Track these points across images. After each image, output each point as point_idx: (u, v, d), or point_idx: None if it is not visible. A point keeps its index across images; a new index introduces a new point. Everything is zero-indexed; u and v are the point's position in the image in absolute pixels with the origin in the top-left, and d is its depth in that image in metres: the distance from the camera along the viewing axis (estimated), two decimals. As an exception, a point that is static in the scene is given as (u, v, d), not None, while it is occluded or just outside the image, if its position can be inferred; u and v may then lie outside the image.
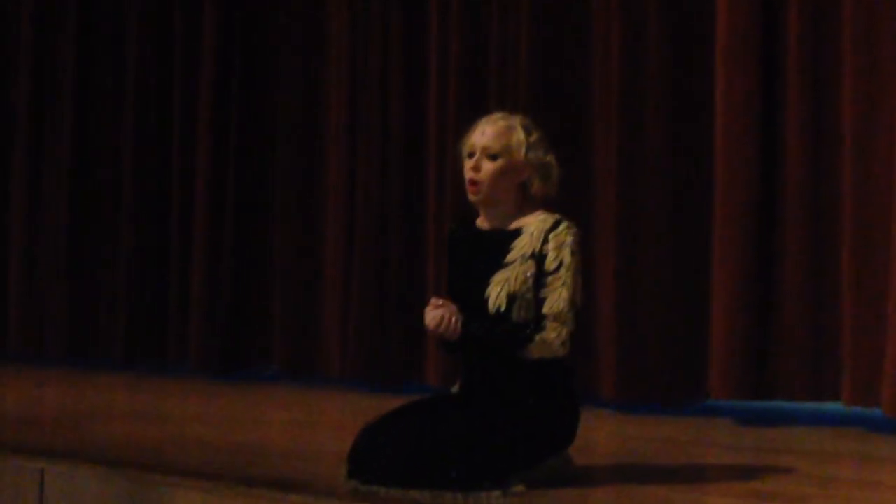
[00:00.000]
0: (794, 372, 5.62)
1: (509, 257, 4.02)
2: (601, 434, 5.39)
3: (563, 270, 3.98)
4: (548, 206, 4.11)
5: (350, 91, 7.25)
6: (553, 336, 3.95)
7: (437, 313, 3.91)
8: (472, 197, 4.08)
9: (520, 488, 3.84)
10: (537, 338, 3.94)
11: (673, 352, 5.92)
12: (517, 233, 4.05)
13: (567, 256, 3.98)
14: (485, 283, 4.00)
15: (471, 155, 4.07)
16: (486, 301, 3.98)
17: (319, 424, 5.84)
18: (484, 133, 4.07)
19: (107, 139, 8.46)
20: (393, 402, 4.14)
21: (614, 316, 6.00)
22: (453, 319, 3.91)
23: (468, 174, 4.06)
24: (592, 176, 6.23)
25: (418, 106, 6.95)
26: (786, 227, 5.69)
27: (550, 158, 4.11)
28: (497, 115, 4.15)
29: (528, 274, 3.98)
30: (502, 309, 3.97)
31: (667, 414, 5.92)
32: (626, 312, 5.99)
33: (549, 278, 3.97)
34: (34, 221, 8.81)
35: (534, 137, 4.09)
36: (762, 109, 5.73)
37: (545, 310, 3.95)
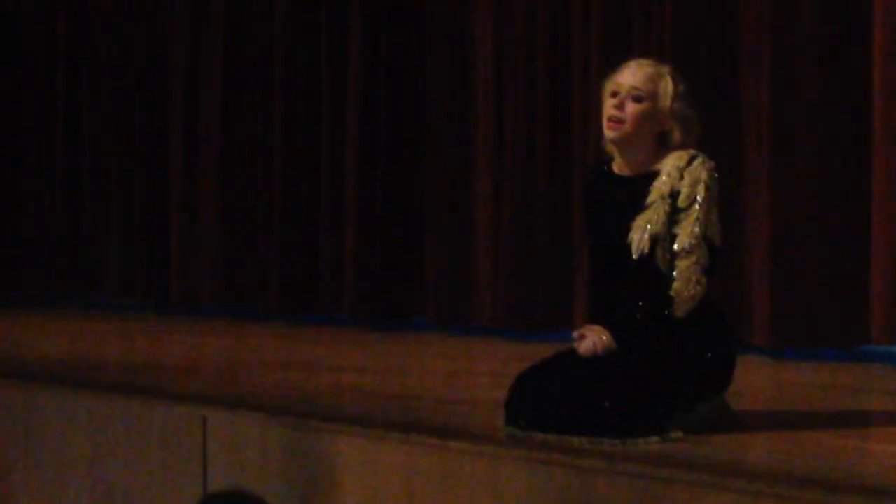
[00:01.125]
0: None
1: (649, 199, 3.96)
2: (759, 380, 5.33)
3: (695, 206, 3.91)
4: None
5: (497, 41, 7.24)
6: (682, 284, 3.89)
7: (587, 344, 3.90)
8: (610, 133, 4.02)
9: (677, 434, 3.82)
10: (671, 295, 3.88)
11: (831, 294, 5.78)
12: (655, 175, 3.99)
13: (701, 191, 3.92)
14: (625, 227, 3.97)
15: (615, 94, 4.04)
16: (628, 246, 3.95)
17: (474, 372, 5.88)
18: (634, 74, 4.03)
19: (256, 92, 8.56)
20: (544, 350, 4.15)
21: (769, 257, 5.89)
22: (603, 339, 3.89)
23: (610, 111, 4.00)
24: (742, 110, 6.10)
25: (564, 50, 6.91)
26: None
27: (694, 112, 4.07)
28: (646, 61, 4.11)
29: (667, 213, 3.94)
30: (646, 251, 3.92)
31: (825, 359, 5.83)
32: (782, 253, 5.86)
33: (682, 214, 3.92)
34: (191, 176, 8.97)
35: (681, 88, 4.05)
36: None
37: (676, 247, 3.90)
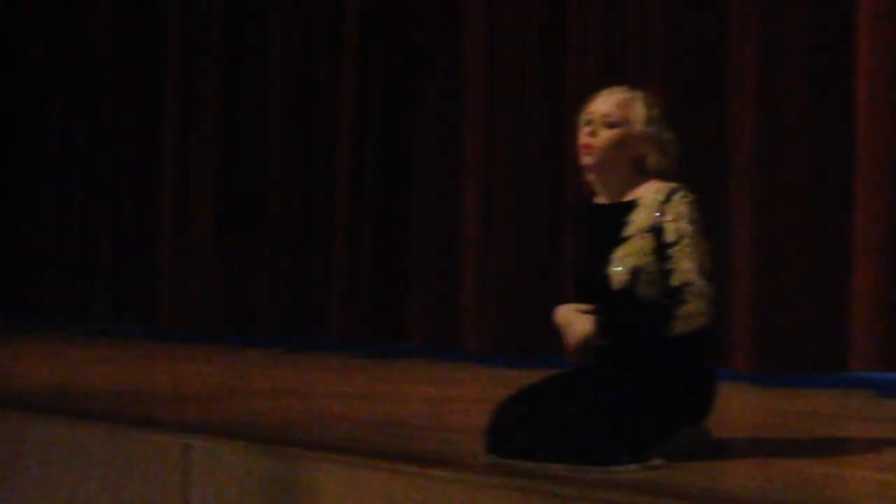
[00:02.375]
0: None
1: (627, 231, 3.99)
2: (738, 407, 5.35)
3: (684, 241, 3.94)
4: (665, 176, 4.08)
5: (486, 58, 7.27)
6: (693, 308, 3.92)
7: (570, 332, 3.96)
8: (583, 159, 4.05)
9: (657, 461, 3.83)
10: (679, 313, 3.91)
11: (812, 322, 5.84)
12: (632, 205, 4.02)
13: (686, 227, 3.95)
14: (605, 257, 3.99)
15: (588, 123, 4.07)
16: (608, 276, 3.97)
17: (459, 399, 5.88)
18: (604, 101, 4.07)
19: (253, 116, 8.61)
20: (531, 377, 4.16)
21: (751, 286, 5.94)
22: (586, 328, 3.93)
23: (583, 140, 4.04)
24: (728, 135, 6.15)
25: (556, 75, 6.95)
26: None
27: (669, 134, 4.09)
28: (618, 88, 4.14)
29: (649, 247, 3.96)
30: (626, 284, 3.96)
31: (805, 386, 5.86)
32: (764, 282, 5.92)
33: (672, 250, 3.94)
34: (183, 201, 9.00)
35: (654, 112, 4.08)
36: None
37: (675, 282, 3.93)
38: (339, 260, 7.84)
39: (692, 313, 3.91)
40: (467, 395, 6.00)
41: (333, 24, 8.12)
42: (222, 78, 8.80)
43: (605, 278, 3.98)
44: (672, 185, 4.01)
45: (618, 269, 3.96)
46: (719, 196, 6.12)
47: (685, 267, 3.93)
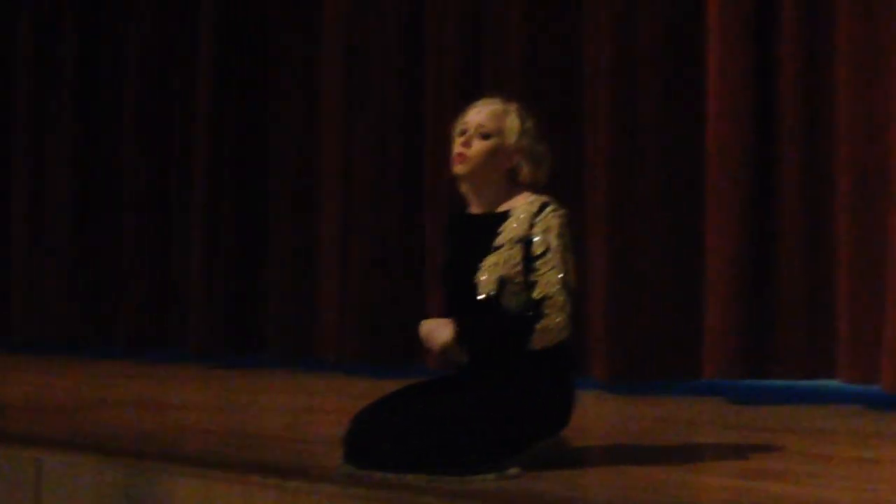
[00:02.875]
0: (791, 350, 5.64)
1: (498, 241, 4.01)
2: (595, 415, 5.40)
3: (551, 254, 3.97)
4: (537, 189, 4.11)
5: (345, 72, 7.25)
6: (552, 322, 3.94)
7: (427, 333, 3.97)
8: (456, 168, 4.06)
9: (515, 471, 3.84)
10: (538, 327, 3.93)
11: (667, 331, 5.94)
12: (505, 216, 4.05)
13: (554, 240, 3.98)
14: (475, 266, 4.00)
15: (463, 132, 4.08)
16: (476, 285, 3.98)
17: (317, 410, 5.86)
18: (479, 112, 4.08)
19: (107, 125, 8.49)
20: (390, 387, 4.15)
21: (606, 295, 6.00)
22: (444, 332, 3.93)
23: (457, 149, 4.06)
24: (584, 152, 6.23)
25: (415, 87, 6.96)
26: (782, 202, 5.71)
27: (542, 147, 4.12)
28: (493, 99, 4.16)
29: (518, 258, 3.98)
30: (492, 294, 3.97)
31: (661, 394, 5.94)
32: (619, 292, 5.99)
33: (538, 262, 3.97)
34: (36, 214, 8.84)
35: (528, 124, 4.10)
36: (756, 89, 5.74)
37: (536, 295, 3.94)
38: (196, 270, 7.75)
39: (550, 327, 3.93)
40: (326, 406, 5.98)
41: (189, 32, 8.02)
42: (76, 101, 8.64)
43: (472, 286, 3.98)
44: (544, 198, 4.04)
45: (484, 278, 3.97)
46: (574, 204, 6.16)
47: (548, 280, 3.95)
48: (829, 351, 5.59)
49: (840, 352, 5.50)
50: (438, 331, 3.96)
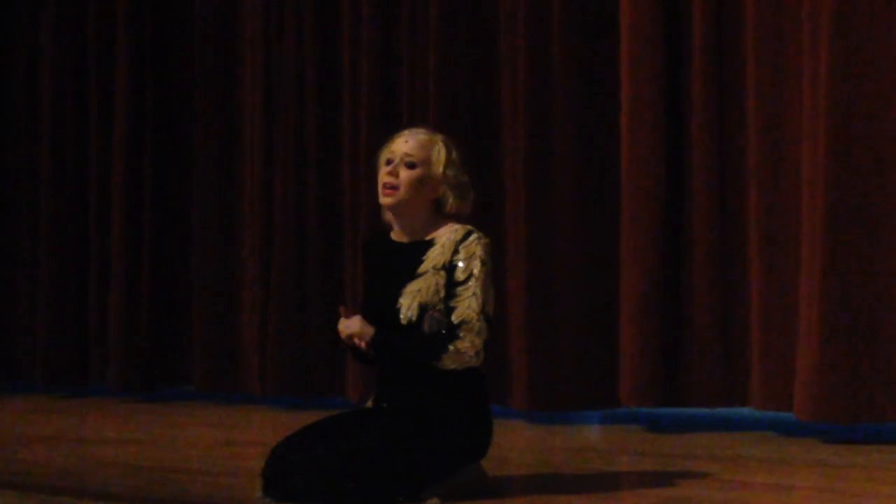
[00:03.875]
0: (705, 378, 5.68)
1: (421, 268, 4.06)
2: (514, 444, 5.43)
3: (472, 281, 4.02)
4: (461, 220, 4.16)
5: (265, 99, 7.25)
6: (465, 346, 3.98)
7: (348, 324, 4.00)
8: (384, 200, 4.10)
9: (434, 501, 3.87)
10: (451, 348, 3.97)
11: (584, 360, 5.97)
12: (430, 244, 4.09)
13: (477, 267, 4.03)
14: (397, 294, 4.04)
15: (389, 162, 4.12)
16: (396, 311, 4.01)
17: (238, 442, 5.84)
18: (407, 141, 4.13)
19: (21, 155, 8.38)
20: (313, 418, 4.16)
21: (525, 326, 6.03)
22: (363, 330, 3.98)
23: (384, 178, 4.10)
24: (502, 186, 6.28)
25: (332, 116, 6.97)
26: (692, 232, 5.76)
27: (467, 179, 4.18)
28: (420, 129, 4.21)
29: (440, 285, 4.02)
30: (413, 319, 4.01)
31: (579, 423, 5.98)
32: (537, 322, 6.02)
33: (459, 289, 4.01)
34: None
35: (454, 156, 4.16)
36: (668, 117, 5.82)
37: (455, 318, 3.99)
38: (116, 303, 7.69)
39: (463, 350, 3.97)
40: (248, 439, 5.96)
41: (106, 48, 7.94)
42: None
43: (394, 312, 4.02)
44: (469, 227, 4.09)
45: (405, 303, 4.01)
46: (492, 235, 6.21)
47: (467, 305, 3.99)
48: (742, 378, 5.65)
49: (753, 379, 5.57)
50: (363, 324, 4.01)
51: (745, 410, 5.71)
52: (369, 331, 4.02)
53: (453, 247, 4.05)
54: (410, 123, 6.47)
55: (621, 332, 5.77)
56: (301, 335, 6.98)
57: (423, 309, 4.02)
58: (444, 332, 3.99)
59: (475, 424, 4.08)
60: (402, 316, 4.02)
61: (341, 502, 3.76)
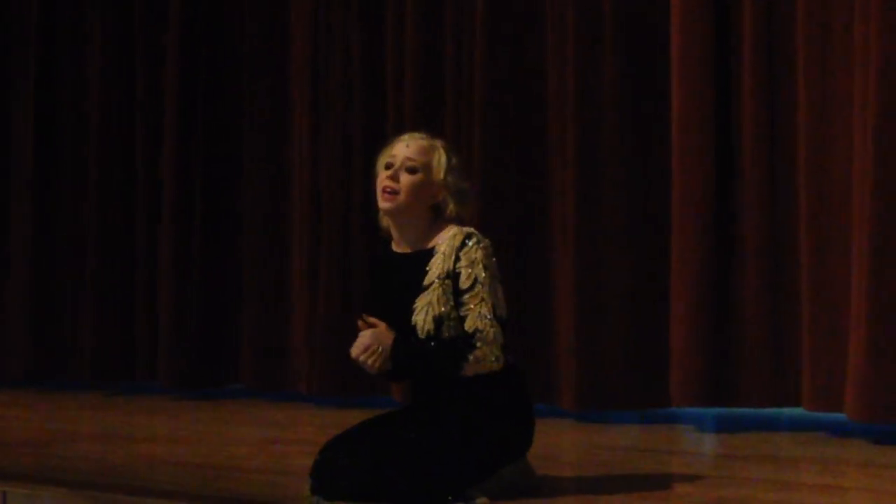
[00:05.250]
0: (755, 378, 5.66)
1: (427, 280, 4.04)
2: (563, 443, 5.42)
3: (477, 287, 3.99)
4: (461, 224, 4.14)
5: (312, 102, 7.26)
6: (483, 353, 3.96)
7: (363, 342, 4.00)
8: (384, 205, 4.08)
9: (483, 500, 3.86)
10: (470, 357, 3.95)
11: (634, 360, 5.96)
12: (431, 253, 4.07)
13: (480, 272, 4.00)
14: (407, 308, 4.03)
15: (389, 166, 4.10)
16: (413, 327, 4.00)
17: (287, 440, 5.85)
18: (408, 146, 4.11)
19: (70, 153, 8.44)
20: (360, 417, 4.17)
21: (574, 326, 6.02)
22: (378, 350, 3.96)
23: (384, 183, 4.08)
24: (550, 187, 6.26)
25: (378, 115, 6.98)
26: (744, 233, 5.74)
27: (467, 185, 4.17)
28: (420, 134, 4.20)
29: (448, 294, 4.00)
30: (431, 332, 3.99)
31: (629, 422, 5.96)
32: (586, 322, 6.00)
33: (466, 296, 3.99)
34: (2, 244, 8.78)
35: (454, 161, 4.15)
36: (717, 118, 5.79)
37: (467, 328, 3.97)
38: (166, 301, 7.73)
39: (482, 358, 3.96)
40: (296, 437, 5.97)
41: (155, 66, 8.00)
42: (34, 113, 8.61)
43: (411, 328, 4.00)
44: (468, 230, 4.07)
45: (420, 318, 4.00)
46: (540, 236, 6.22)
47: (478, 313, 3.97)
48: (792, 378, 5.62)
49: (803, 379, 5.53)
50: (384, 334, 3.98)
51: (796, 411, 5.67)
52: (388, 339, 3.99)
53: (454, 254, 4.02)
54: (454, 125, 6.52)
55: (671, 331, 5.75)
56: (348, 335, 6.98)
57: (438, 321, 4.00)
58: (460, 342, 3.96)
59: (516, 420, 4.07)
60: (419, 331, 4.00)
61: (390, 501, 3.76)
